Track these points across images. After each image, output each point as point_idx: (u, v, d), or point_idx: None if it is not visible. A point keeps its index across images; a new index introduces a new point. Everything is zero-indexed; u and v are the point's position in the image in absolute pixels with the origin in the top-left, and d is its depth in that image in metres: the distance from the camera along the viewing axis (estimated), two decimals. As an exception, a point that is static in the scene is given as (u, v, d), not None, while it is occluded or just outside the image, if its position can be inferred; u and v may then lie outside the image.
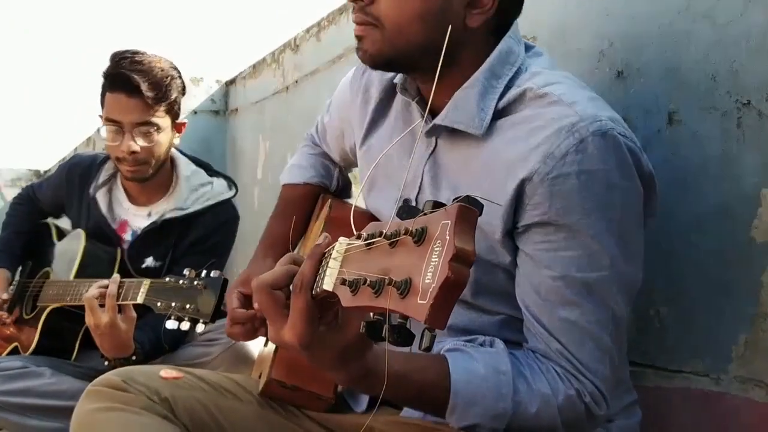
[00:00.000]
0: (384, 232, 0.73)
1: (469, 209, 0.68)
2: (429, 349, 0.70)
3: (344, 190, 1.48)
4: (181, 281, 1.67)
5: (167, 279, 1.69)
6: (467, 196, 0.70)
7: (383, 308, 0.70)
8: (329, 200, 1.33)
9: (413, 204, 1.12)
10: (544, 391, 0.98)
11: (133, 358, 1.77)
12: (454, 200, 0.70)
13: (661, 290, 1.29)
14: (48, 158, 7.31)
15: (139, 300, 1.70)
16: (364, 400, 1.18)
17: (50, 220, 2.29)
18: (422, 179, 1.11)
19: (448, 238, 0.67)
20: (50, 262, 2.14)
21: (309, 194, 1.42)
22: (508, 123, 1.04)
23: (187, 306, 1.62)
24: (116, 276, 1.75)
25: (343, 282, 0.76)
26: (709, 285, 1.22)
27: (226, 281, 1.65)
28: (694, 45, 1.23)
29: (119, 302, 1.71)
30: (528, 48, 1.12)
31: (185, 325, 1.62)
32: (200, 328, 1.63)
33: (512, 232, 1.03)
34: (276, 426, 1.18)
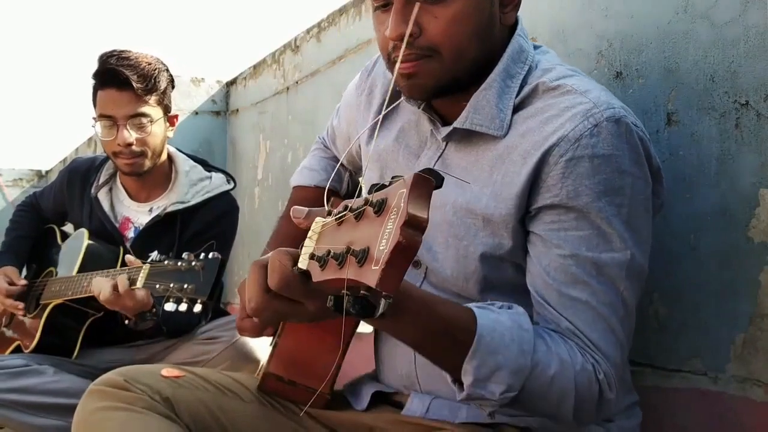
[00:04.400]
0: (350, 206, 0.75)
1: (425, 178, 0.69)
2: (384, 315, 0.71)
3: (353, 193, 1.48)
4: (179, 263, 1.69)
5: (166, 262, 1.72)
6: (428, 168, 0.71)
7: (343, 279, 0.71)
8: (332, 201, 1.34)
9: None
10: (563, 356, 0.95)
11: (153, 309, 1.79)
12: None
13: (659, 290, 1.29)
14: (49, 158, 7.33)
15: (139, 284, 1.72)
16: (365, 398, 1.18)
17: (54, 226, 2.30)
18: None
19: (402, 205, 0.68)
20: (55, 263, 2.15)
21: (318, 196, 1.42)
22: (521, 117, 1.05)
23: (185, 286, 1.64)
24: (123, 277, 1.77)
25: (313, 257, 0.78)
26: (707, 285, 1.22)
27: (224, 261, 1.67)
28: (693, 46, 1.24)
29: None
30: (534, 47, 1.13)
31: (183, 306, 1.64)
32: (197, 308, 1.64)
33: (524, 218, 1.03)
34: (277, 424, 1.18)
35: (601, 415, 1.02)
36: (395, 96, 1.22)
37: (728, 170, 1.19)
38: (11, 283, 2.07)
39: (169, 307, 1.64)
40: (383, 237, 0.68)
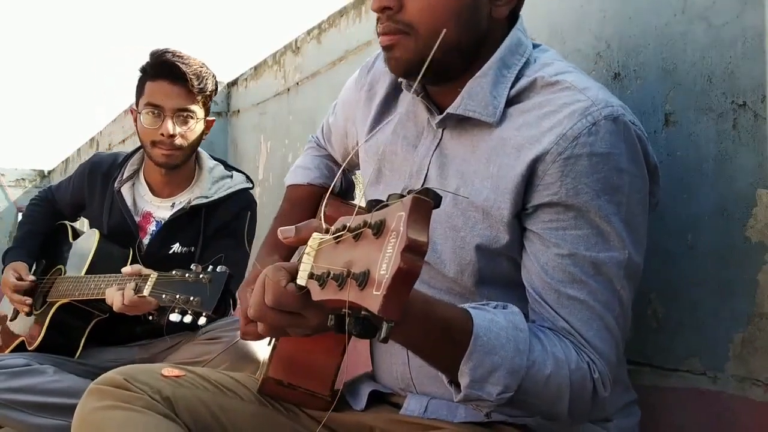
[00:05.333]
0: (348, 225, 0.75)
1: (424, 200, 0.69)
2: (386, 340, 0.71)
3: (348, 191, 1.49)
4: (187, 275, 1.71)
5: (174, 272, 1.74)
6: (426, 188, 0.71)
7: (344, 300, 0.72)
8: (327, 199, 1.34)
9: None
10: (558, 355, 0.95)
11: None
12: (410, 192, 0.71)
13: (658, 289, 1.30)
14: (52, 159, 7.38)
15: (145, 293, 1.74)
16: (364, 398, 1.19)
17: (66, 222, 2.32)
18: (428, 170, 1.12)
19: (402, 229, 0.68)
20: (64, 261, 2.17)
21: (312, 195, 1.43)
22: (518, 110, 1.05)
23: (191, 299, 1.66)
24: (129, 287, 1.78)
25: (312, 276, 0.78)
26: (705, 284, 1.23)
27: (231, 276, 1.68)
28: (690, 46, 1.24)
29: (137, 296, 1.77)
30: (534, 45, 1.13)
31: (188, 318, 1.66)
32: (202, 321, 1.66)
33: (521, 214, 1.03)
34: (277, 424, 1.18)
35: (595, 412, 1.02)
36: (396, 91, 1.23)
37: (726, 170, 1.19)
38: (20, 279, 2.10)
39: (174, 318, 1.66)
40: (383, 261, 0.68)
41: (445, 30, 0.94)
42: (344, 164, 1.40)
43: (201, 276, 1.68)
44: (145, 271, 1.80)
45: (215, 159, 2.21)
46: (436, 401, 1.11)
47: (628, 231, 1.00)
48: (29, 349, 2.05)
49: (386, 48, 1.06)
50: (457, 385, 0.94)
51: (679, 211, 1.25)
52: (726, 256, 1.19)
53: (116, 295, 1.78)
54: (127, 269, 1.83)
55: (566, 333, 0.99)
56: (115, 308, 1.79)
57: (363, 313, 0.71)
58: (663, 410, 1.30)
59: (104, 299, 1.84)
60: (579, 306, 0.99)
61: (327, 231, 0.80)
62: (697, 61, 1.23)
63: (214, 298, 1.65)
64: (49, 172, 7.46)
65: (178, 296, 1.67)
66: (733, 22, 1.18)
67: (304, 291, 0.81)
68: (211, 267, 1.71)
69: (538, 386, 0.94)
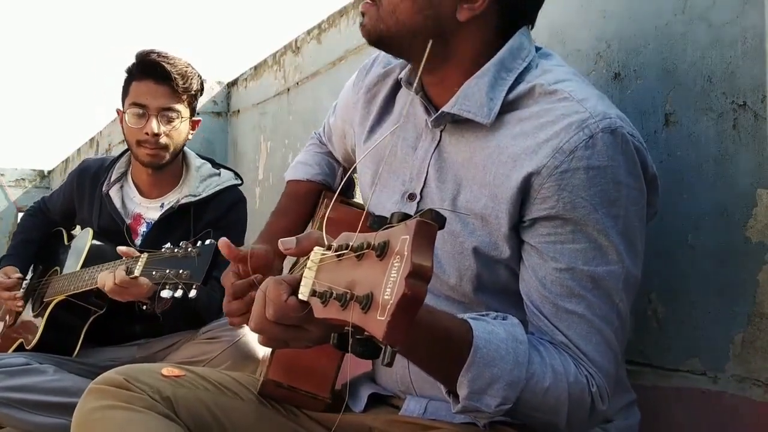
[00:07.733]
0: (351, 245, 0.74)
1: (428, 224, 0.69)
2: (390, 364, 0.71)
3: (347, 189, 1.49)
4: (176, 250, 1.73)
5: (163, 249, 1.75)
6: (430, 209, 0.71)
7: (347, 322, 0.71)
8: (326, 200, 1.34)
9: (418, 198, 1.13)
10: (557, 368, 0.95)
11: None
12: (416, 213, 0.71)
13: (658, 290, 1.30)
14: (51, 159, 7.38)
15: (137, 273, 1.76)
16: (363, 399, 1.19)
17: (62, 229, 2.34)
18: (427, 173, 1.12)
19: (406, 253, 0.67)
20: (61, 263, 2.18)
21: (312, 192, 1.43)
22: (515, 118, 1.05)
23: (181, 272, 1.67)
24: (120, 267, 1.79)
25: (314, 293, 0.78)
26: (705, 284, 1.23)
27: (218, 247, 1.70)
28: (691, 46, 1.24)
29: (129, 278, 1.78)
30: (537, 49, 1.13)
31: (179, 292, 1.67)
32: (192, 293, 1.66)
33: (518, 226, 1.03)
34: (276, 424, 1.18)
35: (592, 424, 1.02)
36: (394, 93, 1.23)
37: (726, 170, 1.19)
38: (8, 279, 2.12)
39: (166, 293, 1.67)
40: (387, 285, 0.68)
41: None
42: (350, 170, 1.40)
43: (190, 250, 1.71)
44: (136, 252, 1.82)
45: (202, 157, 2.22)
46: (435, 402, 1.11)
47: (626, 244, 1.00)
48: (27, 348, 2.06)
49: (361, 15, 1.11)
50: (456, 396, 0.94)
51: (679, 211, 1.25)
52: (726, 256, 1.19)
53: (108, 276, 1.79)
54: (122, 248, 1.84)
55: (564, 347, 0.99)
56: (106, 290, 1.80)
57: (366, 334, 0.71)
58: (663, 410, 1.30)
59: (98, 290, 1.84)
60: (577, 320, 0.99)
61: (329, 247, 0.79)
62: (697, 61, 1.23)
63: (203, 269, 1.67)
64: (49, 172, 7.45)
65: (168, 271, 1.69)
66: (733, 22, 1.18)
67: (306, 306, 0.81)
68: (200, 242, 1.72)
69: (537, 398, 0.94)
